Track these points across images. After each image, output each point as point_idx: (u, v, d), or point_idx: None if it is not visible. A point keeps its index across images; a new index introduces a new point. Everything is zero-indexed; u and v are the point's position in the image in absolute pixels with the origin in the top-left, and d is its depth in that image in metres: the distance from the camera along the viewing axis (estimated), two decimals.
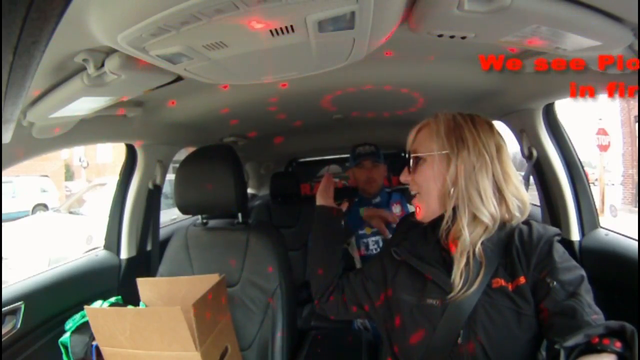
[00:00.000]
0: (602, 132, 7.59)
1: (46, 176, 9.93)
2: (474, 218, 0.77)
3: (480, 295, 0.74)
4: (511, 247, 0.76)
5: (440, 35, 0.76)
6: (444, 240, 0.81)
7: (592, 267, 0.77)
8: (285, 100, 1.57)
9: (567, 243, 1.33)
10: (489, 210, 0.77)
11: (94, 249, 1.77)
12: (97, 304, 1.19)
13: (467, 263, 0.76)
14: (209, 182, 1.31)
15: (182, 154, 1.55)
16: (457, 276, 0.75)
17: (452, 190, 0.79)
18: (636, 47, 0.76)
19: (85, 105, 0.98)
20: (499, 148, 0.80)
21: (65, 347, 1.12)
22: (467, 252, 0.76)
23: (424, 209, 0.84)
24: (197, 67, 0.81)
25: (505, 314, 0.73)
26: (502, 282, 0.75)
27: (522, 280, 0.73)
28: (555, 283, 0.70)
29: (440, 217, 0.82)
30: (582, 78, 1.01)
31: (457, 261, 0.77)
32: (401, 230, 0.96)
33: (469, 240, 0.76)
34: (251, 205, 2.75)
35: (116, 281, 1.57)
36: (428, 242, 0.85)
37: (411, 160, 0.86)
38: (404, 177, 0.87)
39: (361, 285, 0.94)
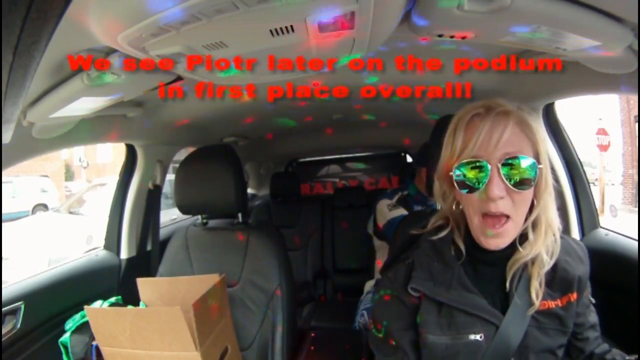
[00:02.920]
0: (602, 132, 7.59)
1: (46, 176, 9.92)
2: (548, 230, 0.68)
3: (528, 321, 0.68)
4: (555, 262, 0.70)
5: (440, 35, 0.76)
6: (508, 265, 0.68)
7: (592, 267, 0.77)
8: (285, 100, 1.56)
9: None
10: (557, 220, 0.69)
11: (94, 249, 1.76)
12: (97, 304, 1.19)
13: (517, 280, 0.68)
14: (209, 182, 1.31)
15: (182, 154, 1.55)
16: (534, 294, 0.67)
17: (538, 205, 0.67)
18: (636, 47, 0.76)
19: (85, 105, 0.98)
20: None
21: (65, 347, 1.12)
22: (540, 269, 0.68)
23: (511, 235, 0.65)
24: (197, 67, 0.81)
25: (554, 336, 0.69)
26: (550, 304, 0.69)
27: (574, 296, 0.70)
28: (592, 300, 0.73)
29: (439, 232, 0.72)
30: (582, 78, 1.02)
31: (534, 277, 0.68)
32: (402, 257, 0.75)
33: (554, 255, 0.68)
34: (251, 205, 2.75)
35: (116, 281, 1.57)
36: (448, 265, 0.70)
37: (511, 169, 0.62)
38: (499, 192, 0.62)
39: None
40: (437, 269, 0.70)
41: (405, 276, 0.71)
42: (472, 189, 0.64)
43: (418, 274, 0.70)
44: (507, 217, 0.63)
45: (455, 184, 0.65)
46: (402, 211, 1.63)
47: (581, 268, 0.71)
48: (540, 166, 0.64)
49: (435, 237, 0.72)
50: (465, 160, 0.64)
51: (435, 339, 0.68)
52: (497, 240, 0.64)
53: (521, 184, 0.63)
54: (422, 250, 0.73)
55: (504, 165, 0.62)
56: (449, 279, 0.69)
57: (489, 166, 0.62)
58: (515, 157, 0.62)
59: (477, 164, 0.63)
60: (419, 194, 1.70)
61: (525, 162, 0.63)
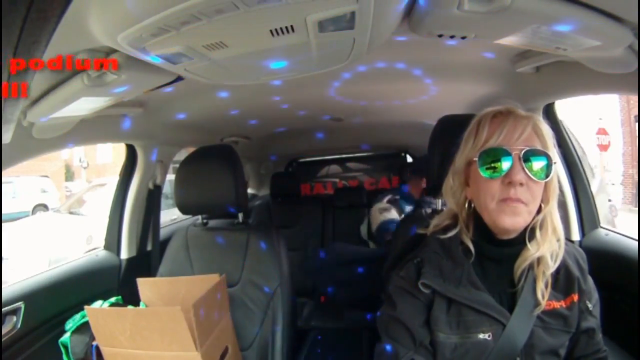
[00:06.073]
0: (602, 132, 7.59)
1: (46, 176, 9.91)
2: (553, 234, 0.71)
3: (534, 321, 0.69)
4: (559, 264, 0.71)
5: (440, 35, 0.76)
6: (517, 264, 0.70)
7: (592, 267, 0.77)
8: (285, 100, 1.57)
9: None
10: (561, 226, 0.71)
11: (94, 249, 1.76)
12: (97, 304, 1.19)
13: (524, 279, 0.70)
14: (209, 182, 1.31)
15: (182, 154, 1.55)
16: (540, 294, 0.69)
17: (546, 207, 0.70)
18: (636, 47, 0.76)
19: (85, 105, 0.98)
20: None
21: (66, 347, 1.12)
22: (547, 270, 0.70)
23: (525, 219, 0.68)
24: (197, 67, 0.81)
25: (558, 336, 0.70)
26: (555, 304, 0.71)
27: (576, 297, 0.72)
28: (590, 305, 0.73)
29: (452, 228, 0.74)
30: (582, 78, 1.02)
31: (540, 278, 0.70)
32: (410, 257, 0.76)
33: (558, 259, 0.70)
34: (251, 205, 2.75)
35: (116, 281, 1.57)
36: (457, 262, 0.71)
37: (531, 161, 0.67)
38: (521, 178, 0.66)
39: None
40: (447, 267, 0.71)
41: (415, 274, 0.73)
42: (494, 171, 0.67)
43: (428, 270, 0.71)
44: (523, 203, 0.67)
45: (478, 168, 0.68)
46: (393, 214, 1.77)
47: (584, 274, 0.74)
48: (554, 163, 0.68)
49: (443, 236, 0.74)
50: (490, 147, 0.68)
51: (444, 338, 0.69)
52: (513, 218, 0.67)
53: (539, 175, 0.67)
54: (430, 249, 0.74)
55: (525, 153, 0.67)
56: (458, 277, 0.70)
57: (513, 154, 0.67)
58: (535, 150, 0.67)
59: (502, 151, 0.67)
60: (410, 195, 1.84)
61: (543, 158, 0.68)
